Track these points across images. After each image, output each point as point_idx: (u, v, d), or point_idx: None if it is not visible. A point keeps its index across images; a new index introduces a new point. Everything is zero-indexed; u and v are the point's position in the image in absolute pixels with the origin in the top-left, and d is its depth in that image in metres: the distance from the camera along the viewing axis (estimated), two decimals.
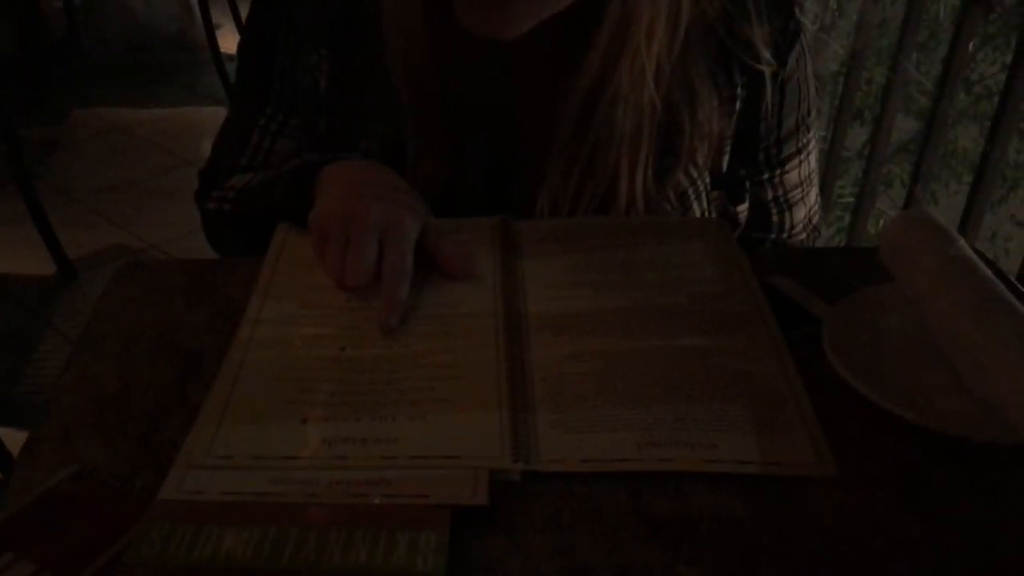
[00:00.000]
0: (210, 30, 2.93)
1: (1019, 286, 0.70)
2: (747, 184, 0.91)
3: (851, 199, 2.01)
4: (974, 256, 0.66)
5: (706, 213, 0.87)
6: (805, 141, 0.91)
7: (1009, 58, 1.22)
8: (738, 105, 0.84)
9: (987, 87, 3.23)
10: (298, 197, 0.75)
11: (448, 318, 0.67)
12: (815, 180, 0.96)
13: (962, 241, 0.67)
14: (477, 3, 0.72)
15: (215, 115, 2.95)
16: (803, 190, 0.94)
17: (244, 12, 3.35)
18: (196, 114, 3.04)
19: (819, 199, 0.98)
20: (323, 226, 0.70)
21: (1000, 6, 1.23)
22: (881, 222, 2.07)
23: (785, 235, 0.96)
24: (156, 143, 2.88)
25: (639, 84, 0.77)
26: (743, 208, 0.91)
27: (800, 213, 0.95)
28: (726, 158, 0.87)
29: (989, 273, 0.64)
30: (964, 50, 1.30)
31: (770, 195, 0.92)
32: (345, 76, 0.83)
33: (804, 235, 0.97)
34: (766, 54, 0.81)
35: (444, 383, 0.61)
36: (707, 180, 0.86)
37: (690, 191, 0.85)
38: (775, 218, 0.94)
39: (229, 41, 3.10)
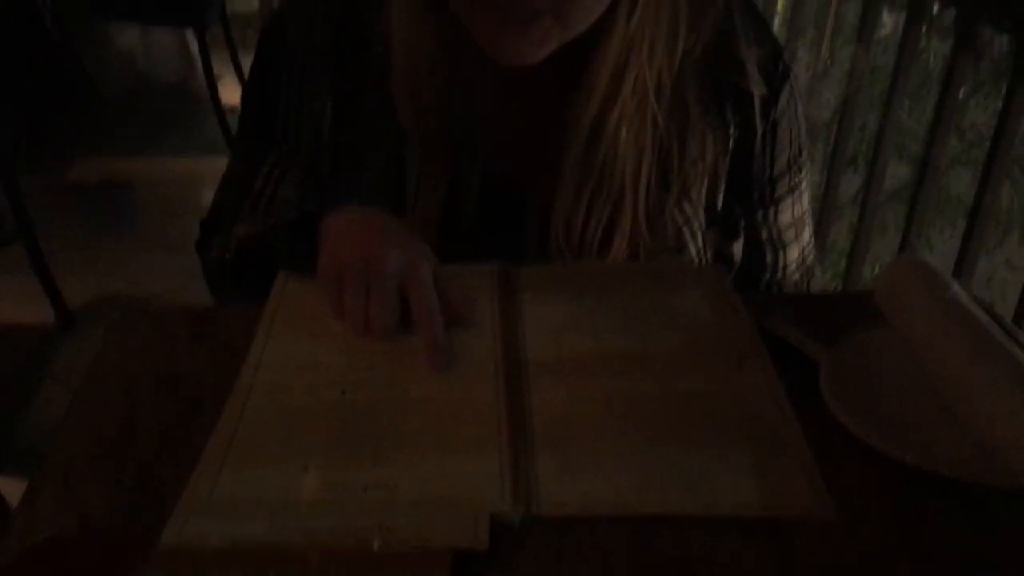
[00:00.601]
0: (211, 80, 2.97)
1: (1015, 329, 0.71)
2: (742, 222, 0.92)
3: (847, 244, 2.03)
4: (969, 300, 0.67)
5: (702, 250, 0.89)
6: (797, 181, 0.93)
7: (1000, 104, 1.25)
8: (731, 144, 0.86)
9: (979, 133, 3.27)
10: (301, 246, 0.76)
11: (449, 364, 0.68)
12: (808, 220, 0.97)
13: (956, 285, 0.68)
14: (499, 31, 0.73)
15: (215, 164, 2.95)
16: (796, 230, 0.95)
17: (245, 63, 3.40)
18: (196, 163, 3.05)
19: (813, 239, 1.00)
20: (338, 271, 0.70)
21: (989, 54, 1.25)
22: (877, 267, 2.08)
23: (780, 274, 0.97)
24: (156, 192, 2.90)
25: (643, 102, 0.79)
26: (738, 246, 0.92)
27: (794, 252, 0.96)
28: (721, 196, 0.88)
29: (984, 316, 0.65)
30: (954, 97, 1.32)
31: (764, 234, 0.94)
32: (349, 117, 0.85)
33: (799, 275, 0.98)
34: (756, 75, 0.83)
35: (444, 427, 0.61)
36: (702, 218, 0.88)
37: (685, 229, 0.86)
38: (769, 257, 0.95)
39: (229, 91, 3.14)
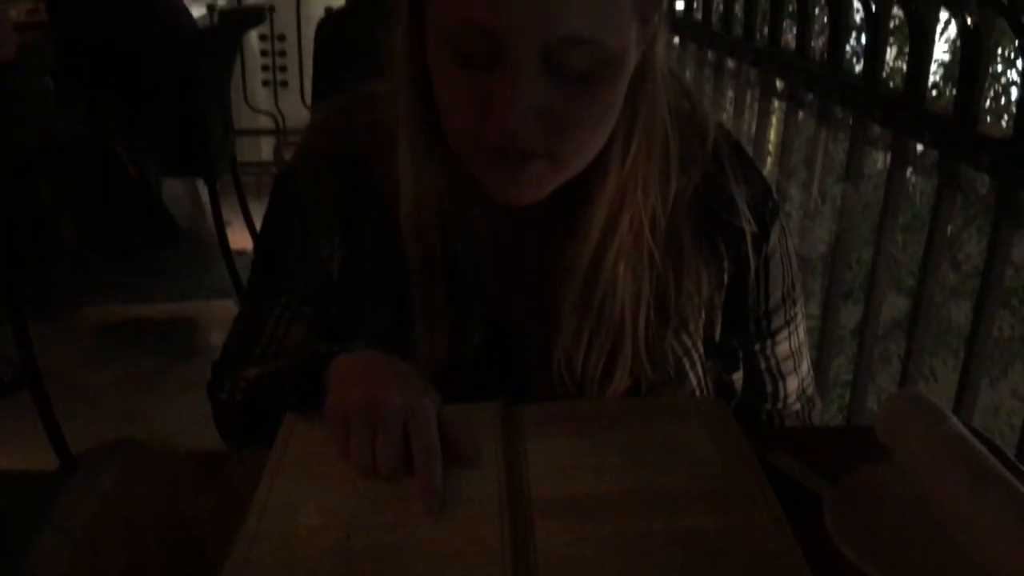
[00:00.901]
0: (220, 226, 3.04)
1: (1015, 461, 0.71)
2: (740, 354, 0.94)
3: (850, 377, 2.03)
4: (967, 433, 0.67)
5: (702, 381, 0.90)
6: (792, 314, 0.95)
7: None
8: (726, 277, 0.88)
9: (975, 266, 3.32)
10: (308, 388, 0.77)
11: (452, 504, 0.68)
12: (805, 352, 0.99)
13: (954, 419, 0.69)
14: (496, 172, 0.76)
15: (223, 308, 3.01)
16: (795, 361, 0.97)
17: (252, 209, 3.49)
18: (204, 307, 3.10)
19: (811, 370, 1.01)
20: (344, 414, 0.72)
21: (973, 192, 1.29)
22: (881, 398, 2.08)
23: (780, 404, 0.98)
24: (163, 336, 2.92)
25: (639, 240, 0.82)
26: (738, 377, 0.93)
27: (793, 383, 0.98)
28: (718, 328, 0.90)
29: (983, 449, 0.65)
30: (943, 233, 1.36)
31: (763, 365, 0.95)
32: (355, 261, 0.87)
33: (799, 405, 0.99)
34: (746, 212, 0.86)
35: (450, 570, 0.61)
36: (701, 350, 0.89)
37: (685, 360, 0.88)
38: (769, 388, 0.97)
39: (238, 236, 3.22)
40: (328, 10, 2.27)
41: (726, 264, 0.88)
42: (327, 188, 0.87)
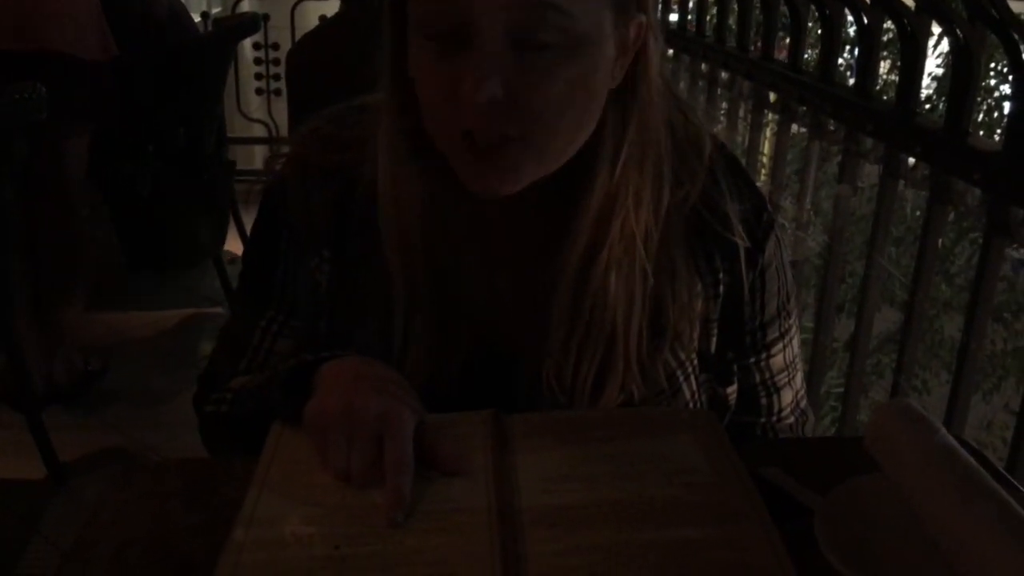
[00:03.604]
0: None
1: (1005, 474, 0.71)
2: (735, 367, 0.94)
3: (842, 390, 2.03)
4: (956, 445, 0.67)
5: (696, 395, 0.89)
6: (787, 327, 0.95)
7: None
8: (721, 290, 0.88)
9: (968, 279, 3.33)
10: (295, 397, 0.76)
11: (442, 514, 0.67)
12: (799, 365, 0.99)
13: (943, 430, 0.69)
14: (474, 161, 0.76)
15: (214, 317, 3.00)
16: (789, 374, 0.97)
17: (245, 216, 3.48)
18: (195, 316, 3.09)
19: (804, 383, 1.01)
20: (322, 422, 0.71)
21: (963, 205, 1.30)
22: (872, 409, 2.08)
23: (775, 418, 0.98)
24: (154, 344, 2.91)
25: (630, 249, 0.81)
26: (732, 390, 0.93)
27: (787, 397, 0.97)
28: (714, 340, 0.90)
29: (972, 461, 0.65)
30: (934, 245, 1.36)
31: (757, 378, 0.95)
32: (345, 274, 0.87)
33: (792, 419, 0.99)
34: (739, 228, 0.86)
35: None
36: (695, 362, 0.89)
37: (679, 373, 0.87)
38: (764, 401, 0.96)
39: (229, 243, 3.21)
40: (307, 34, 2.28)
41: (721, 276, 0.88)
42: (316, 200, 0.86)
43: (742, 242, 0.86)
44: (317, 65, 1.91)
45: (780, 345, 0.95)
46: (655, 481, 0.71)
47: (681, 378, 0.88)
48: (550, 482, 0.71)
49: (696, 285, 0.86)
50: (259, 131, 4.12)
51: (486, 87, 0.70)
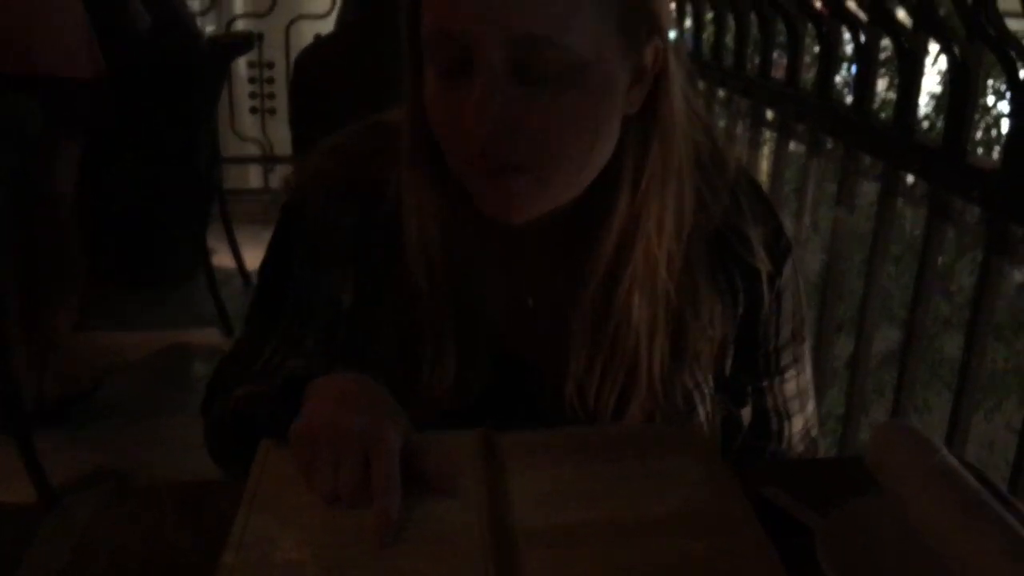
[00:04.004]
0: (206, 255, 3.03)
1: (1007, 494, 0.70)
2: (748, 389, 0.93)
3: (843, 409, 2.02)
4: (957, 464, 0.66)
5: (711, 415, 0.89)
6: (801, 352, 0.94)
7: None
8: (740, 310, 0.88)
9: (968, 297, 3.32)
10: (282, 413, 0.75)
11: (435, 535, 0.66)
12: (812, 393, 0.98)
13: (944, 450, 0.68)
14: (487, 185, 0.76)
15: (207, 336, 2.97)
16: (801, 401, 0.96)
17: (239, 237, 3.47)
18: (188, 335, 3.06)
19: (816, 412, 1.00)
20: (308, 442, 0.70)
21: (963, 222, 1.29)
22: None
23: (784, 445, 0.97)
24: (146, 364, 2.89)
25: (653, 272, 0.81)
26: (746, 412, 0.93)
27: (799, 424, 0.97)
28: (729, 361, 0.90)
29: (973, 481, 0.65)
30: (933, 263, 1.36)
31: (770, 403, 0.94)
32: (367, 291, 0.86)
33: (802, 447, 0.98)
34: (761, 253, 0.86)
35: None
36: (711, 383, 0.89)
37: (695, 393, 0.87)
38: (775, 427, 0.96)
39: (223, 262, 3.20)
40: (314, 39, 2.28)
41: (740, 297, 0.88)
42: (339, 217, 0.86)
43: (763, 265, 0.86)
44: (325, 68, 1.91)
45: (793, 371, 0.94)
46: (650, 498, 0.71)
47: (697, 398, 0.87)
48: (544, 501, 0.70)
49: (717, 305, 0.86)
50: (253, 150, 4.12)
51: (486, 119, 0.71)
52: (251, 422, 0.81)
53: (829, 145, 1.66)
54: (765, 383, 0.94)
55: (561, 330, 0.83)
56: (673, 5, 2.39)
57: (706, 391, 0.88)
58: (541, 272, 0.86)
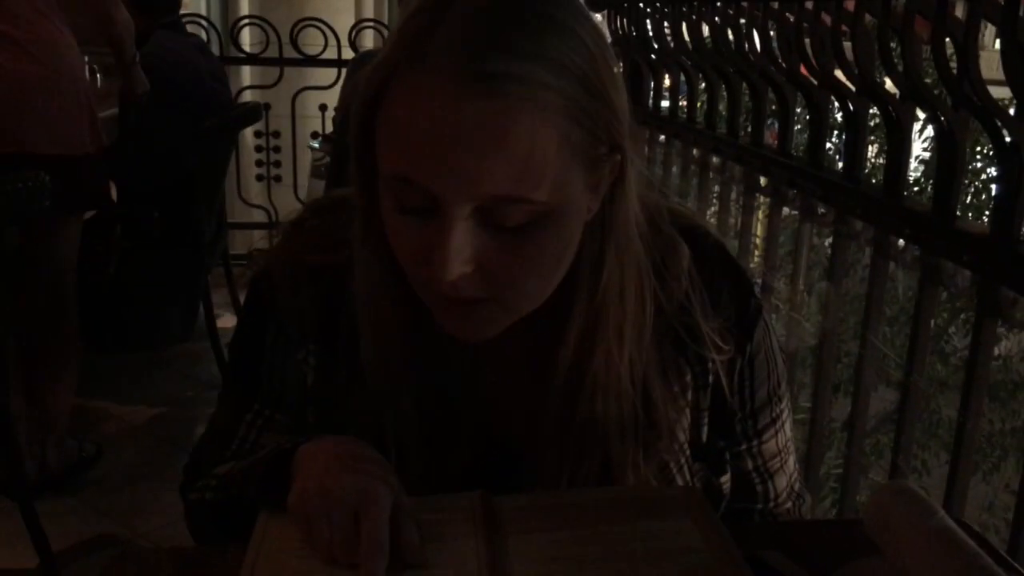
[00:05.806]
0: (211, 320, 3.04)
1: (1006, 556, 0.71)
2: (727, 455, 0.93)
3: (841, 471, 2.02)
4: (954, 527, 0.67)
5: (689, 483, 0.89)
6: (779, 411, 0.94)
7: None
8: (711, 379, 0.88)
9: (963, 359, 3.34)
10: (275, 483, 0.76)
11: None
12: (791, 448, 0.98)
13: (942, 512, 0.69)
14: (449, 311, 0.76)
15: (211, 400, 2.96)
16: (782, 459, 0.96)
17: (243, 300, 3.47)
18: (191, 400, 3.07)
19: (797, 466, 1.00)
20: (302, 506, 0.71)
21: (954, 286, 1.31)
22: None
23: (771, 504, 0.97)
24: (149, 430, 2.89)
25: (615, 374, 0.82)
26: (726, 479, 0.93)
27: (782, 482, 0.97)
28: (705, 429, 0.90)
29: (971, 544, 0.65)
30: (926, 326, 1.37)
31: (750, 465, 0.95)
32: (331, 371, 0.86)
33: (790, 503, 0.98)
34: (718, 342, 0.86)
35: None
36: (688, 453, 0.89)
37: (672, 464, 0.87)
38: (759, 488, 0.96)
39: (229, 328, 3.21)
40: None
41: (710, 366, 0.88)
42: (302, 295, 0.86)
43: (717, 355, 0.86)
44: None
45: (772, 431, 0.94)
46: (647, 560, 0.71)
47: (674, 469, 0.88)
48: (542, 564, 0.70)
49: (687, 376, 0.87)
50: (259, 216, 4.18)
51: (454, 266, 0.70)
52: (238, 499, 0.81)
53: (821, 210, 1.69)
54: (743, 446, 0.94)
55: (530, 428, 0.84)
56: (667, 77, 2.45)
57: (683, 461, 0.88)
58: (503, 380, 0.87)
